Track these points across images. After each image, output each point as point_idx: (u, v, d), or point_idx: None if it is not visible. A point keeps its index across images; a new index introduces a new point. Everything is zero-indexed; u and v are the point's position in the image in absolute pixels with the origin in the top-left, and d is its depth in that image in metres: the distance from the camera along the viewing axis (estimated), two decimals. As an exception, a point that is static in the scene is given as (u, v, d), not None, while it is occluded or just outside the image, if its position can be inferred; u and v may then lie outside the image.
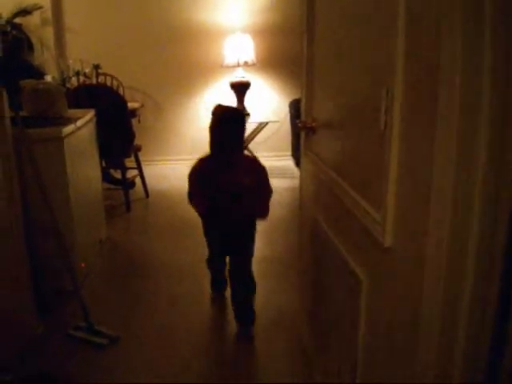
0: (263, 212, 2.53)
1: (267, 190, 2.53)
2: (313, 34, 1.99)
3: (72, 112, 3.29)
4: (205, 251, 2.90)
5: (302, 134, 2.14)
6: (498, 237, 0.94)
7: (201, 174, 2.42)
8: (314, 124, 1.94)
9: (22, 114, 2.92)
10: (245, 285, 2.63)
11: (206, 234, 2.70)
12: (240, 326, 2.61)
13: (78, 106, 3.59)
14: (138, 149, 4.57)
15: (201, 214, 2.54)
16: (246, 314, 2.60)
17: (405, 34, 1.12)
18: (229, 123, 2.34)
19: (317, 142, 1.96)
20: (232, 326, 2.65)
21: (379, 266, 1.34)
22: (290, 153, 5.78)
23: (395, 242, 1.21)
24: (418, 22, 1.07)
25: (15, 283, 2.41)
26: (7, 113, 2.39)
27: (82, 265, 3.03)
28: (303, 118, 2.09)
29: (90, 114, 3.44)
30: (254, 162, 2.52)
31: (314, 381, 2.09)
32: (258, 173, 2.45)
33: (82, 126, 3.17)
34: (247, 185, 2.37)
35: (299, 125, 2.02)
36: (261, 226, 4.15)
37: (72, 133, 2.95)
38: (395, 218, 1.21)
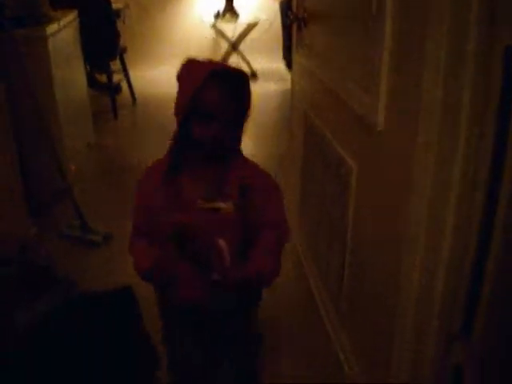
0: (269, 272, 1.18)
1: (280, 229, 1.23)
2: None
3: (55, 13, 3.17)
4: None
5: (294, 28, 2.07)
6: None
7: (153, 191, 1.27)
8: (305, 15, 1.87)
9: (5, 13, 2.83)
10: None
11: (168, 336, 1.39)
12: None
13: (60, 6, 3.43)
14: (124, 50, 4.42)
15: (146, 276, 1.26)
16: None
17: None
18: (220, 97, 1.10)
19: (309, 35, 1.91)
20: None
21: (370, 151, 1.35)
22: (280, 55, 5.62)
23: (387, 125, 1.21)
24: None
25: (5, 185, 2.40)
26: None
27: (73, 167, 3.02)
28: (295, 9, 2.01)
29: (73, 14, 3.32)
30: (261, 173, 1.26)
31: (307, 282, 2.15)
32: (265, 192, 1.22)
33: (65, 26, 3.07)
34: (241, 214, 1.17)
35: (291, 17, 1.96)
36: (253, 129, 4.16)
37: (56, 32, 2.86)
38: (387, 101, 1.20)
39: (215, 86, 1.07)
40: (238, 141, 1.22)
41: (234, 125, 1.15)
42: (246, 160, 1.25)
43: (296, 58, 2.17)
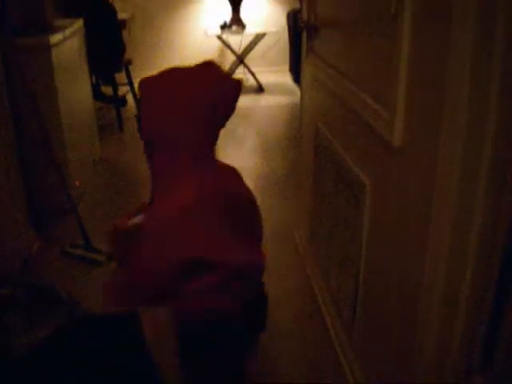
0: None
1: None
2: None
3: (60, 22, 3.13)
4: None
5: (304, 35, 1.99)
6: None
7: None
8: (316, 22, 1.80)
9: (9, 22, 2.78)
10: None
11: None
12: None
13: (66, 14, 3.39)
14: (129, 62, 4.38)
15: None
16: None
17: None
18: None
19: (320, 42, 1.84)
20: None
21: (386, 169, 1.26)
22: (287, 67, 5.57)
23: (405, 141, 1.13)
24: None
25: (9, 199, 2.34)
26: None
27: (77, 183, 2.95)
28: (305, 16, 1.94)
29: (78, 24, 3.27)
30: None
31: (316, 301, 2.07)
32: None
33: (70, 36, 3.03)
34: None
35: (301, 24, 1.89)
36: (258, 144, 4.08)
37: (60, 42, 2.81)
38: (405, 115, 1.12)
39: None
40: None
41: None
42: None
43: (306, 68, 2.09)
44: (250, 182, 3.24)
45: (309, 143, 2.12)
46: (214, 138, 1.29)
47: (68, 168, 2.81)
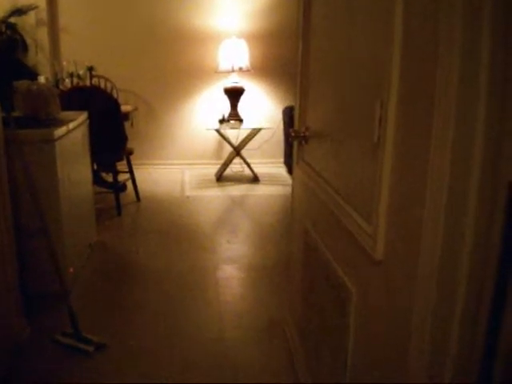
0: None
1: None
2: (308, 41, 1.98)
3: (65, 114, 3.27)
4: (197, 257, 2.87)
5: (295, 143, 2.13)
6: (492, 251, 0.93)
7: None
8: (306, 133, 1.93)
9: (15, 114, 2.91)
10: None
11: None
12: None
13: (70, 108, 3.56)
14: (130, 152, 4.55)
15: None
16: None
17: (401, 45, 1.11)
18: None
19: (309, 152, 1.95)
20: (219, 339, 2.63)
21: (369, 278, 1.33)
22: (282, 159, 5.77)
23: (386, 255, 1.21)
24: (415, 34, 1.06)
25: (2, 285, 2.37)
26: (-1, 112, 2.37)
27: (71, 269, 3.00)
28: (296, 126, 2.08)
29: (82, 117, 3.42)
30: None
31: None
32: None
33: (74, 129, 3.16)
34: None
35: (292, 134, 2.01)
36: (252, 232, 4.16)
37: (64, 135, 2.93)
38: (387, 231, 1.20)
39: None
40: None
41: None
42: None
43: (296, 173, 2.21)
44: (242, 273, 3.31)
45: (298, 241, 2.19)
46: None
47: (63, 254, 2.86)
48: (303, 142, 1.98)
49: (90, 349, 2.42)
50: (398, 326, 1.16)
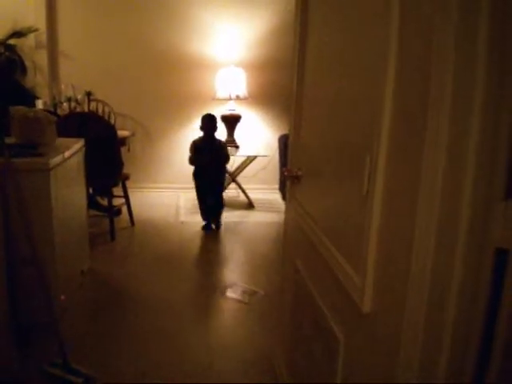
0: None
1: None
2: (302, 77, 1.99)
3: (61, 141, 3.28)
4: (190, 285, 2.86)
5: (288, 182, 2.15)
6: (479, 305, 0.95)
7: None
8: (299, 173, 1.95)
9: (10, 140, 2.92)
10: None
11: None
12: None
13: (67, 133, 3.58)
14: (126, 178, 4.56)
15: None
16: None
17: (392, 97, 1.13)
18: None
19: (301, 191, 1.97)
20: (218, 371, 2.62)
21: (357, 328, 1.34)
22: (277, 186, 5.79)
23: (374, 308, 1.22)
24: (407, 85, 1.08)
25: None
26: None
27: (62, 297, 2.99)
28: (289, 165, 2.10)
29: (78, 144, 3.43)
30: None
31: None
32: None
33: (70, 157, 3.16)
34: None
35: (285, 173, 2.03)
36: (245, 260, 4.16)
37: (59, 164, 2.93)
38: (374, 283, 1.21)
39: None
40: None
41: None
42: None
43: (289, 211, 2.22)
44: (233, 303, 3.29)
45: (289, 277, 2.20)
46: None
47: (55, 283, 2.84)
48: (296, 181, 2.00)
49: (80, 381, 2.39)
50: (385, 376, 1.17)
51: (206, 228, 4.78)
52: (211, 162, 4.57)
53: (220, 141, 4.71)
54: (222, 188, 4.87)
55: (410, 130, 1.06)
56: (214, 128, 4.56)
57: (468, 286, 0.95)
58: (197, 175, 4.69)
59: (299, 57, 2.01)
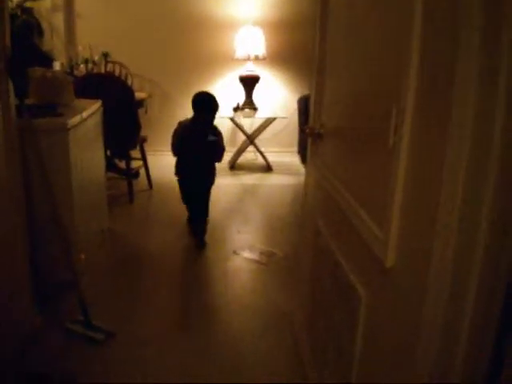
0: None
1: None
2: (325, 33, 1.93)
3: (79, 102, 3.27)
4: (207, 246, 2.89)
5: (309, 140, 2.11)
6: (503, 261, 0.92)
7: None
8: (321, 130, 1.91)
9: (29, 101, 2.91)
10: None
11: None
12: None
13: (85, 94, 3.56)
14: (144, 140, 4.55)
15: None
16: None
17: (419, 50, 1.08)
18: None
19: (323, 149, 1.93)
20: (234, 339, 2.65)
21: (379, 283, 1.32)
22: (296, 148, 5.74)
23: (397, 262, 1.19)
24: (433, 38, 1.04)
25: (14, 274, 2.40)
26: (13, 100, 2.36)
27: (82, 256, 3.02)
28: (311, 123, 2.06)
29: (96, 105, 3.42)
30: None
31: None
32: None
33: (88, 117, 3.15)
34: None
35: (306, 131, 1.99)
36: (263, 222, 4.16)
37: (78, 124, 2.92)
38: (398, 237, 1.18)
39: None
40: None
41: None
42: None
43: (310, 170, 2.19)
44: (251, 264, 3.30)
45: (309, 238, 2.18)
46: None
47: (76, 241, 2.87)
48: (318, 140, 1.96)
49: (101, 337, 2.44)
50: (407, 332, 1.16)
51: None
52: (201, 154, 3.56)
53: (217, 129, 3.62)
54: (209, 191, 3.74)
55: (437, 80, 1.02)
56: (214, 112, 3.52)
57: (496, 237, 0.92)
58: (182, 170, 3.72)
59: (322, 11, 1.95)
